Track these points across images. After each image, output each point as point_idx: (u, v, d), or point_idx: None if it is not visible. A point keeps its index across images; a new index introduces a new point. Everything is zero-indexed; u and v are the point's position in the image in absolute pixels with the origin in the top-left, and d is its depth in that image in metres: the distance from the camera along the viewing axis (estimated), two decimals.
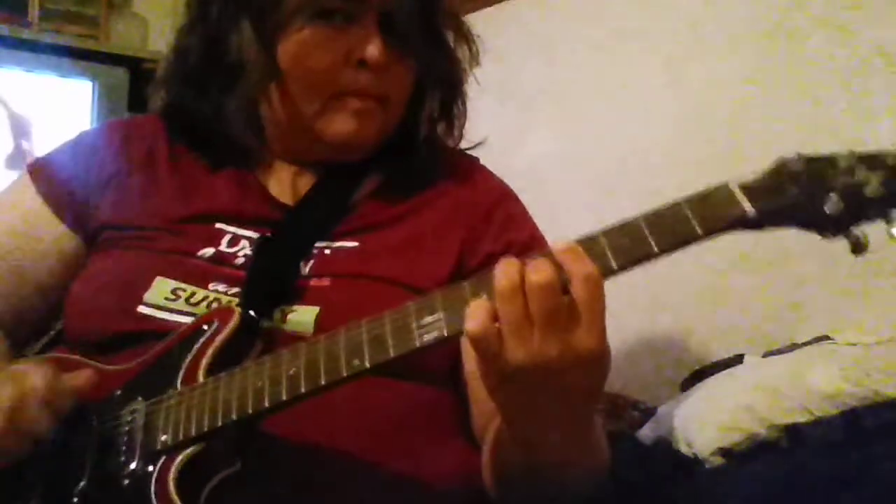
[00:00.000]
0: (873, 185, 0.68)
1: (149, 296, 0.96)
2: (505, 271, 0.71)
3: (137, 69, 2.71)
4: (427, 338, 0.75)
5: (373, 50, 0.98)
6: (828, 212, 0.69)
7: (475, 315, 0.71)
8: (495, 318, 0.70)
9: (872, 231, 0.69)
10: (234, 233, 1.02)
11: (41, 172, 1.11)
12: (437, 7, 1.05)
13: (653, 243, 0.71)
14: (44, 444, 0.84)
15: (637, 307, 1.51)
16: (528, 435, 0.80)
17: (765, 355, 1.20)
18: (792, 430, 1.04)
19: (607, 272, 0.72)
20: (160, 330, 0.93)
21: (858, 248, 0.69)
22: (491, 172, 1.16)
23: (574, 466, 0.85)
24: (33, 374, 0.84)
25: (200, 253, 1.00)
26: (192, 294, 0.96)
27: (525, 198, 1.14)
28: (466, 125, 1.15)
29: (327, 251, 1.01)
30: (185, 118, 1.09)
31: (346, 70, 1.00)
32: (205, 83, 1.06)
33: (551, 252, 0.72)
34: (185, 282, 0.97)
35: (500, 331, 0.70)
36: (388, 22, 0.99)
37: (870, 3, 1.31)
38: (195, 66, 1.06)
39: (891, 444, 0.97)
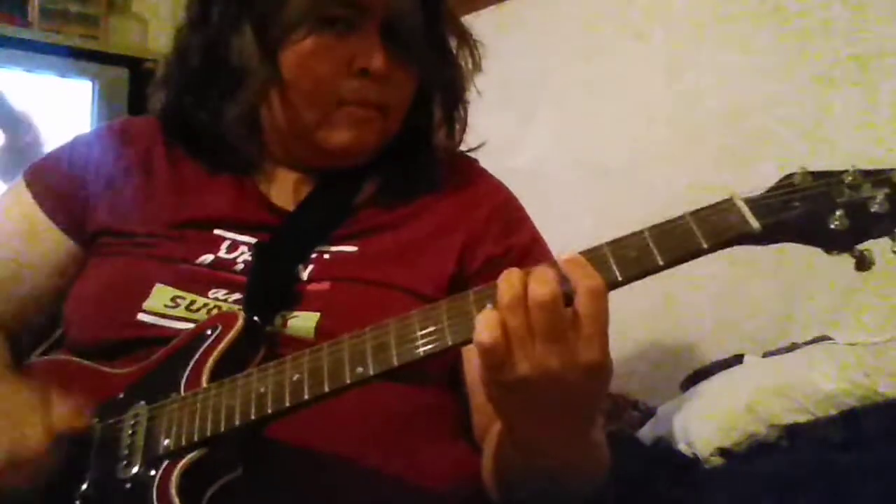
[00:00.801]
0: (879, 201, 0.68)
1: (148, 303, 0.96)
2: (508, 283, 0.71)
3: (137, 69, 2.71)
4: (430, 347, 0.75)
5: (375, 60, 0.98)
6: (833, 228, 0.69)
7: (488, 326, 0.70)
8: (506, 329, 0.70)
9: (875, 242, 0.69)
10: (232, 238, 1.02)
11: (36, 177, 1.10)
12: (439, 14, 1.04)
13: (658, 256, 0.71)
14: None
15: (637, 308, 1.51)
16: (529, 442, 0.80)
17: (765, 355, 1.21)
18: (792, 430, 1.05)
19: (612, 284, 0.71)
20: (160, 337, 0.92)
21: (863, 264, 0.69)
22: (490, 174, 1.16)
23: (574, 470, 0.85)
24: (31, 424, 0.85)
25: (200, 260, 0.99)
26: (192, 302, 0.96)
27: (525, 199, 1.14)
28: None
29: (326, 255, 1.00)
30: (183, 123, 1.08)
31: (347, 79, 0.99)
32: (204, 88, 1.05)
33: (556, 263, 0.72)
34: (184, 289, 0.97)
35: (509, 342, 0.70)
36: (390, 30, 0.99)
37: (872, 3, 1.31)
38: (195, 69, 1.05)
39: (890, 445, 0.98)
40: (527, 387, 0.71)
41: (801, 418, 1.04)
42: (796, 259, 1.32)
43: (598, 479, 0.89)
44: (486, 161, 1.18)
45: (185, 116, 1.08)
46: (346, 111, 1.01)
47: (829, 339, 1.14)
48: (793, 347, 1.18)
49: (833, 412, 1.03)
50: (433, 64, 1.05)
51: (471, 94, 1.12)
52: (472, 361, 0.97)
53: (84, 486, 0.85)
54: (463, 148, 1.16)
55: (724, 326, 1.43)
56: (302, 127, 1.03)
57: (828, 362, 1.06)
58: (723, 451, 1.09)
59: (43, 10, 2.70)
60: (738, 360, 1.23)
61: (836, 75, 1.34)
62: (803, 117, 1.38)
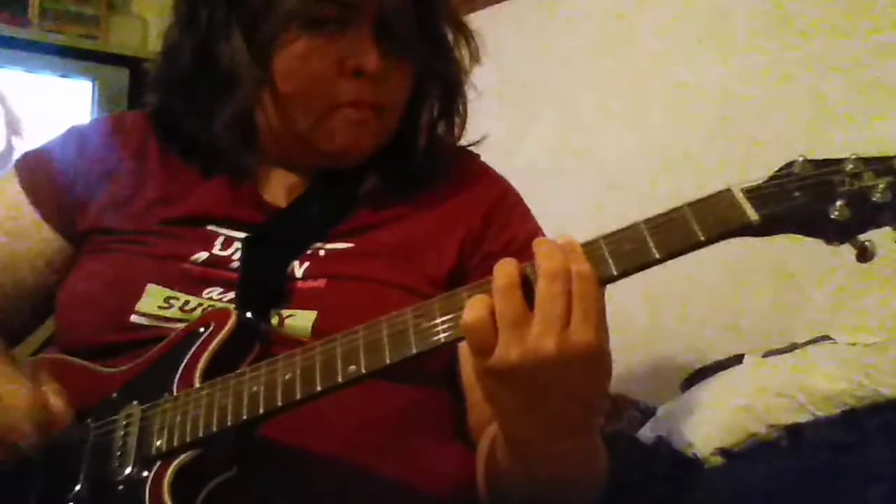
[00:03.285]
0: (880, 190, 0.66)
1: (141, 305, 0.94)
2: (503, 269, 0.71)
3: (137, 69, 2.69)
4: (424, 344, 0.74)
5: (369, 60, 0.95)
6: (833, 218, 0.67)
7: (473, 306, 0.70)
8: (492, 312, 0.70)
9: (876, 232, 0.68)
10: (226, 235, 1.01)
11: (27, 168, 1.09)
12: (434, 7, 1.02)
13: (654, 249, 0.70)
14: (31, 455, 0.84)
15: (637, 307, 1.51)
16: (525, 448, 0.79)
17: (765, 355, 1.20)
18: (792, 430, 1.04)
19: (607, 278, 0.70)
20: (154, 339, 0.92)
21: (865, 255, 0.67)
22: (491, 169, 1.14)
23: (570, 482, 0.83)
24: (18, 392, 0.84)
25: (194, 257, 0.98)
26: (186, 302, 0.94)
27: (524, 198, 1.13)
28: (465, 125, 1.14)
29: (322, 252, 0.99)
30: (174, 126, 1.06)
31: (341, 80, 0.97)
32: (194, 91, 1.03)
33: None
34: (178, 290, 0.95)
35: (496, 325, 0.70)
36: (383, 27, 0.96)
37: (871, 2, 1.30)
38: (184, 72, 1.03)
39: (891, 445, 0.97)
40: (521, 375, 0.70)
41: (802, 418, 1.04)
42: (797, 259, 1.31)
43: (594, 492, 0.88)
44: (485, 160, 1.17)
45: (175, 122, 1.06)
46: (342, 113, 0.99)
47: (829, 339, 1.13)
48: (793, 347, 1.17)
49: (833, 412, 1.02)
50: (429, 60, 1.03)
51: (470, 91, 1.11)
52: (468, 366, 0.97)
53: (77, 488, 0.84)
54: (463, 143, 1.14)
55: (724, 326, 1.42)
56: (297, 129, 1.01)
57: (828, 362, 1.06)
58: (723, 451, 1.08)
59: (43, 10, 2.71)
60: (738, 360, 1.23)
61: (839, 75, 1.33)
62: (806, 118, 1.37)
